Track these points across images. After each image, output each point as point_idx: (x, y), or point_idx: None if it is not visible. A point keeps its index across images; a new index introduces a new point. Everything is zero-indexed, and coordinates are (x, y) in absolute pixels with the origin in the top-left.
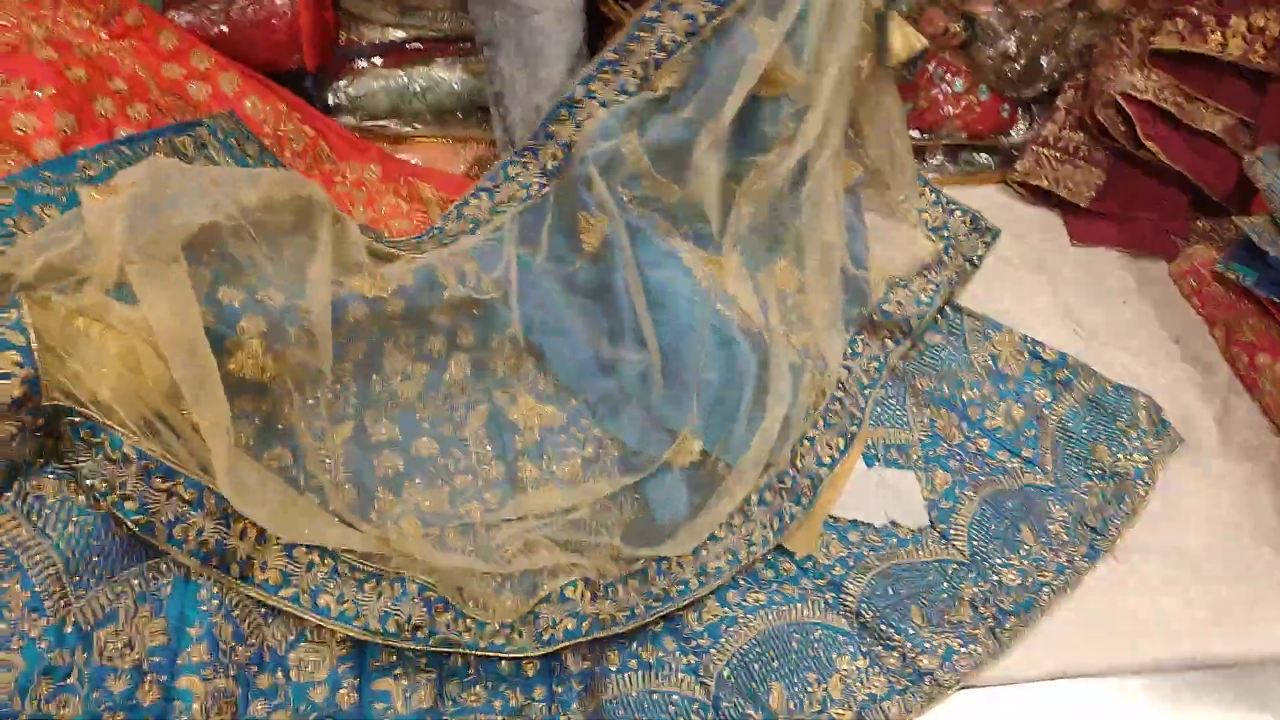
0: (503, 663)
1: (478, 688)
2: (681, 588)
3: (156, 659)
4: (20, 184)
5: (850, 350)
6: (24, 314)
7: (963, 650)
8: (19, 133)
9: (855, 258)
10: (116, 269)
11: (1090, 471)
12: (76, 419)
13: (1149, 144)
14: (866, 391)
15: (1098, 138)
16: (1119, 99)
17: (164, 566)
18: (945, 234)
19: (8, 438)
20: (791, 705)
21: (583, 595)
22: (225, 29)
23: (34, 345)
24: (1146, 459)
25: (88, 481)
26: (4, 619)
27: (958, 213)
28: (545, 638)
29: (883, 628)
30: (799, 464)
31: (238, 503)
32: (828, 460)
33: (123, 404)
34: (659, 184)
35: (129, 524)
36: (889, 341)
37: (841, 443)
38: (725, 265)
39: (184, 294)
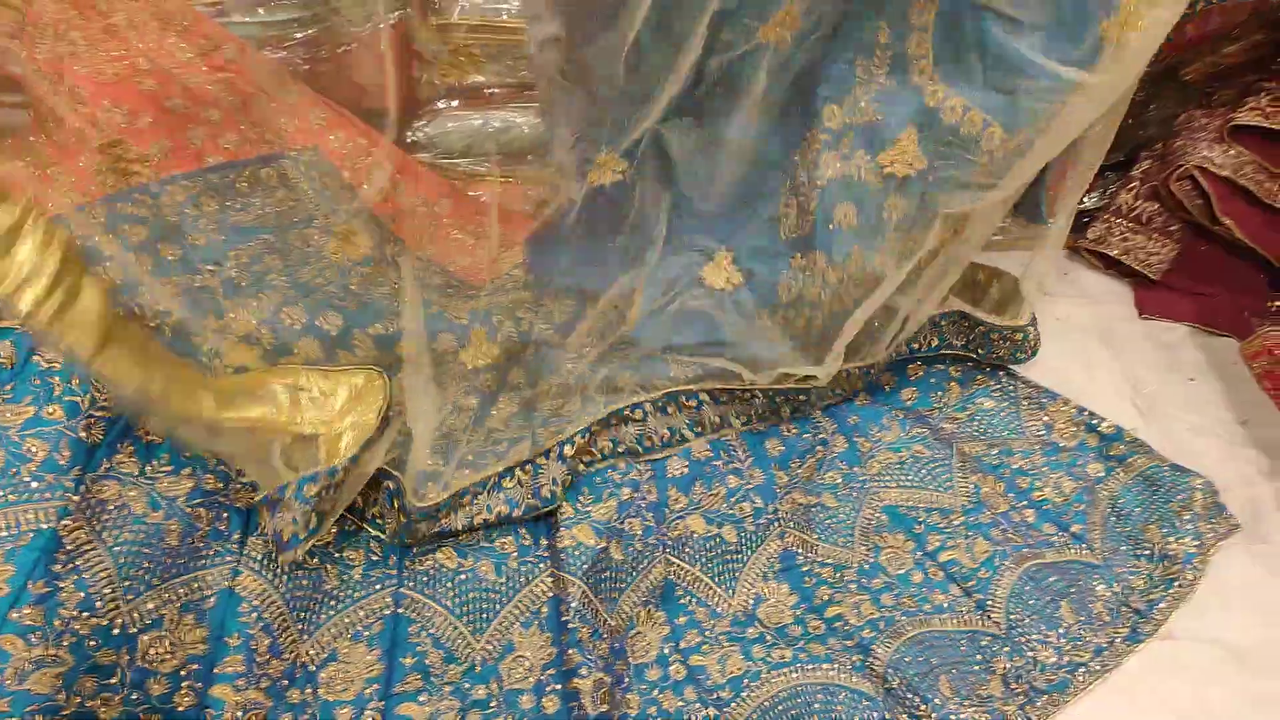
0: (523, 698)
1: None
2: None
3: (195, 666)
4: (112, 206)
5: None
6: None
7: None
8: (117, 156)
9: None
10: None
11: (1139, 551)
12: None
13: (1225, 220)
14: None
15: (1172, 210)
16: (1196, 173)
17: (209, 578)
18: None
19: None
20: None
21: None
22: (315, 68)
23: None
24: (1198, 543)
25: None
26: (59, 616)
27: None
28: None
29: (909, 696)
30: None
31: None
32: None
33: None
34: None
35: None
36: None
37: None
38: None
39: None
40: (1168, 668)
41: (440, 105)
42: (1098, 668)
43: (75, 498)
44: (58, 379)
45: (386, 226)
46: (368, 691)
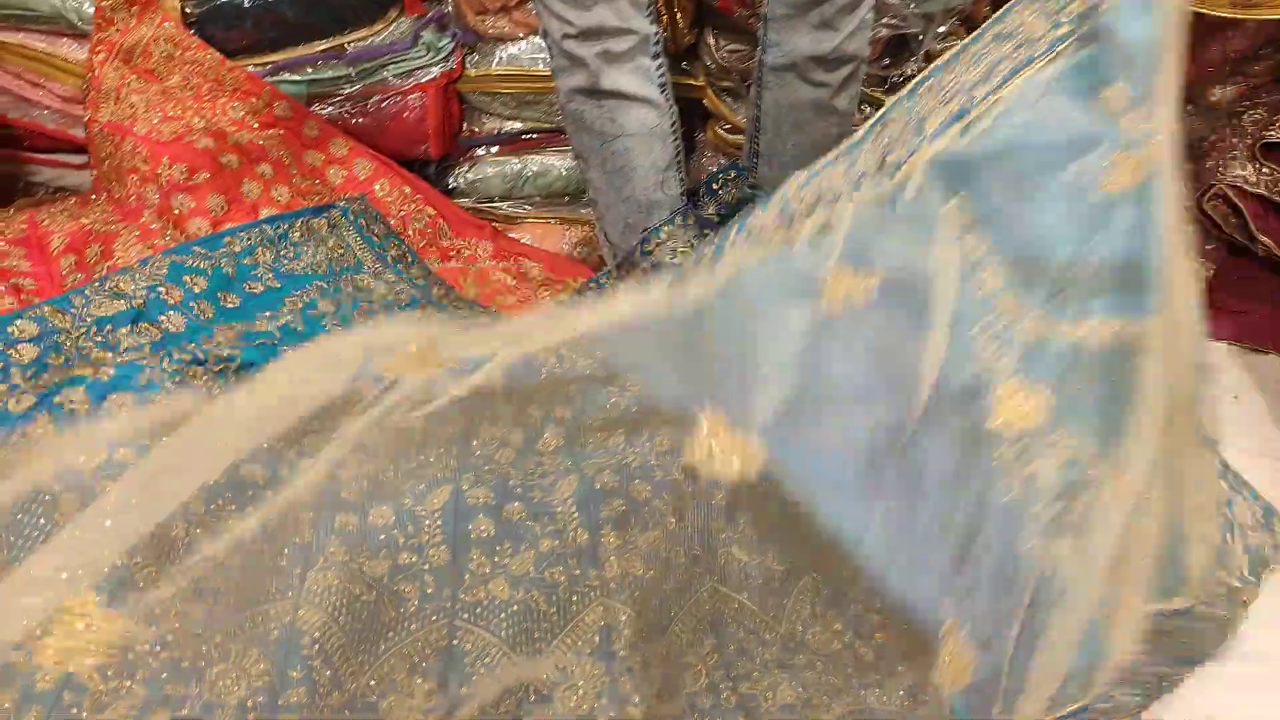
0: None
1: None
2: None
3: (261, 699)
4: (174, 257)
5: None
6: None
7: None
8: (177, 211)
9: None
10: None
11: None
12: None
13: (1262, 238)
14: None
15: (1207, 230)
16: (1229, 192)
17: (273, 612)
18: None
19: None
20: None
21: None
22: (362, 120)
23: None
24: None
25: None
26: (132, 649)
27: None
28: None
29: None
30: None
31: None
32: None
33: None
34: None
35: None
36: None
37: None
38: None
39: None
40: (1208, 684)
41: (480, 152)
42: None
43: (145, 534)
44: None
45: (432, 270)
46: None
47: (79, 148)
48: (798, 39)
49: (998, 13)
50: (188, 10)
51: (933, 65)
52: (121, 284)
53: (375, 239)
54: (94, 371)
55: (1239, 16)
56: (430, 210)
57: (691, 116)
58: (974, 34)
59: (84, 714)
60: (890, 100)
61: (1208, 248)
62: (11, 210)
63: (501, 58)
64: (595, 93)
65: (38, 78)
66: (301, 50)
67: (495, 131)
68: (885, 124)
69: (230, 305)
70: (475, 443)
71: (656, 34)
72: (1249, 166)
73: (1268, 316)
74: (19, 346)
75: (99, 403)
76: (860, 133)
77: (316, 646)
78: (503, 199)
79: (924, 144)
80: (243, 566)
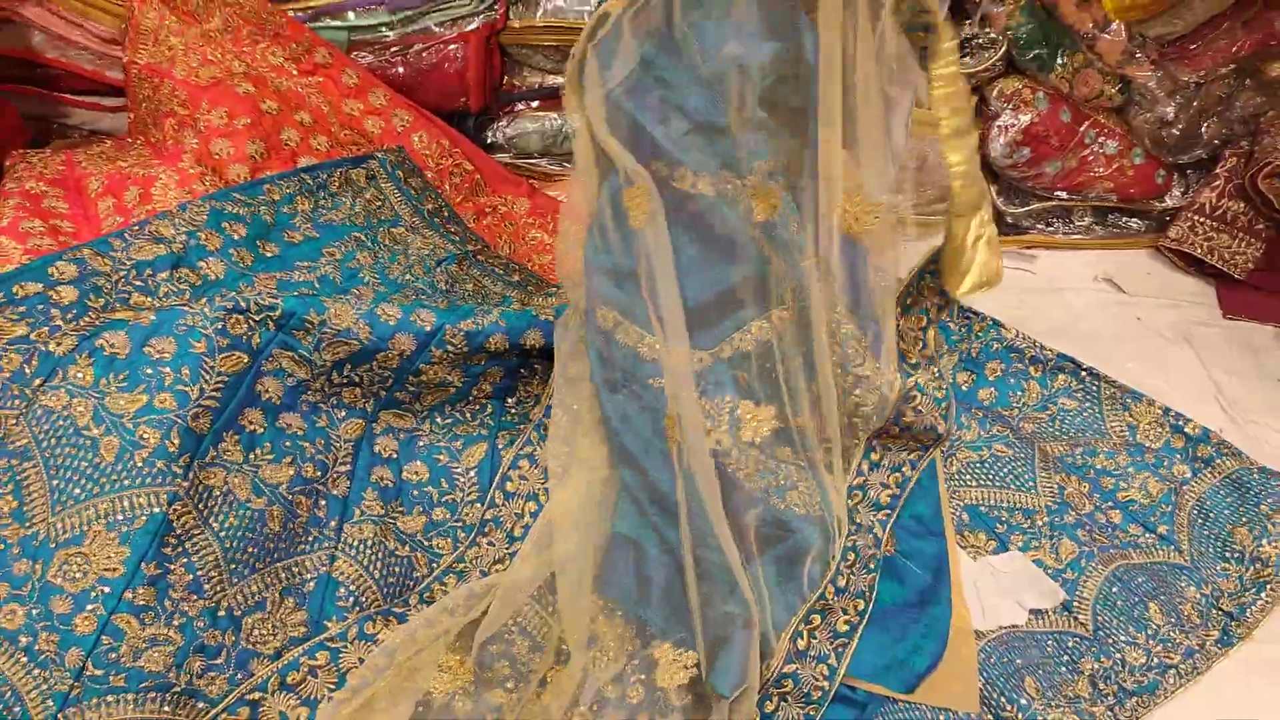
0: (608, 688)
1: None
2: None
3: (296, 650)
4: (214, 203)
5: (868, 462)
6: None
7: None
8: (216, 157)
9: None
10: None
11: (1228, 554)
12: None
13: None
14: (885, 515)
15: (1259, 208)
16: None
17: (309, 563)
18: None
19: None
20: None
21: None
22: (402, 70)
23: None
24: None
25: None
26: (169, 597)
27: None
28: None
29: (995, 696)
30: (805, 652)
31: None
32: (845, 629)
33: None
34: None
35: None
36: (908, 455)
37: (860, 604)
38: None
39: None
40: (1262, 673)
41: (520, 106)
42: (1188, 670)
43: (184, 483)
44: (168, 369)
45: (467, 225)
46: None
47: (114, 90)
48: None
49: None
50: None
51: None
52: (161, 228)
53: (413, 192)
54: (134, 316)
55: None
56: (468, 165)
57: None
58: None
59: (121, 659)
60: None
61: (1257, 227)
62: (48, 151)
63: (545, 9)
64: None
65: (76, 16)
66: None
67: (536, 85)
68: None
69: (270, 254)
70: (510, 400)
71: None
72: None
73: None
74: (59, 288)
75: (140, 347)
76: None
77: (352, 600)
78: (541, 155)
79: None
80: (280, 515)
